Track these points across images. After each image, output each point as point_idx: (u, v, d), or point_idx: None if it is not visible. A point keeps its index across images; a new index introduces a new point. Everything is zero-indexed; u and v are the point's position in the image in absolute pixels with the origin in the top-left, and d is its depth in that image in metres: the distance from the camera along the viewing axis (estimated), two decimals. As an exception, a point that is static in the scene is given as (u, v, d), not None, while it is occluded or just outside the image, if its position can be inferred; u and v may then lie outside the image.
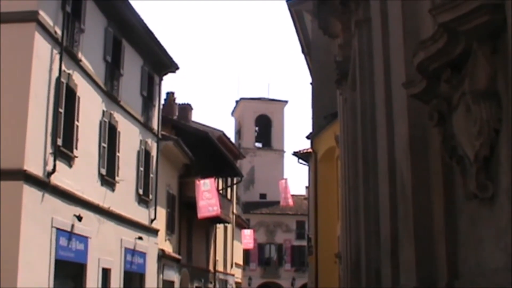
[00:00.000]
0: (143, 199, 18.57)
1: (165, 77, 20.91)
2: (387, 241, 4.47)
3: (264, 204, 47.62)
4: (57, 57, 13.01)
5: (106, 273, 15.31)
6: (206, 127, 27.65)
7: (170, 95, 26.84)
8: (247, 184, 47.02)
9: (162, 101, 22.82)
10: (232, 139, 40.26)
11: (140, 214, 18.34)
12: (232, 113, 52.87)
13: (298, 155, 23.34)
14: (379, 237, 5.08)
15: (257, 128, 50.96)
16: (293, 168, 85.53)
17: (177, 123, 24.25)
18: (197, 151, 23.22)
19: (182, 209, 22.97)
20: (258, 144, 50.75)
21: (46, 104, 12.47)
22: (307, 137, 21.28)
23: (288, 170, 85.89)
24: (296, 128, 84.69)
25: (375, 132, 5.51)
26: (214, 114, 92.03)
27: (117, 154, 16.56)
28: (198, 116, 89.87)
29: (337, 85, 9.86)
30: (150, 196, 19.12)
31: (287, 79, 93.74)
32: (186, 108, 28.58)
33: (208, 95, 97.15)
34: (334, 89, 12.18)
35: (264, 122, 50.15)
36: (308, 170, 22.84)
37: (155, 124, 19.99)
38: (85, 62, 14.52)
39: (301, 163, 23.24)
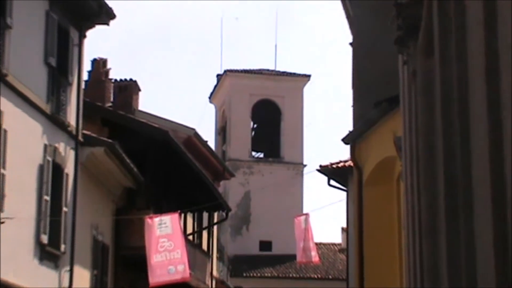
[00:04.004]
0: (49, 253, 18.60)
1: (90, 33, 21.11)
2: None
3: (268, 260, 47.67)
4: None
5: None
6: (165, 122, 27.65)
7: (98, 63, 26.70)
8: (238, 223, 47.32)
9: (85, 76, 22.63)
10: (211, 144, 40.36)
11: (44, 280, 18.29)
12: (211, 98, 52.93)
13: (329, 172, 23.27)
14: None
15: (255, 125, 51.07)
16: (319, 195, 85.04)
17: (112, 115, 24.26)
18: (148, 164, 23.21)
19: (121, 269, 22.98)
20: (257, 153, 51.14)
21: None
22: (344, 141, 21.07)
23: (310, 198, 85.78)
24: (324, 124, 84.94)
25: (468, 131, 5.58)
26: (179, 99, 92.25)
27: (1, 171, 16.56)
28: (150, 103, 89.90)
29: (399, 47, 9.94)
30: (62, 248, 19.13)
31: (308, 38, 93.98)
32: (128, 88, 28.61)
33: (168, 65, 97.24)
34: (393, 55, 12.24)
35: (267, 114, 50.38)
36: (347, 199, 22.70)
37: (71, 116, 20.05)
38: None
39: (333, 186, 23.13)
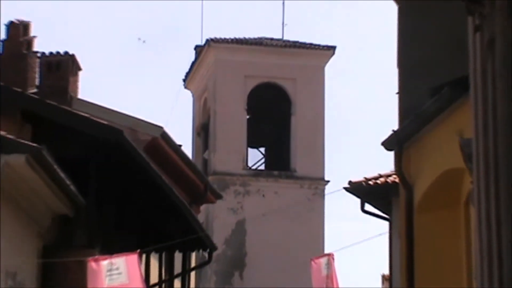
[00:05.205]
0: None
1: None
2: None
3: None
4: None
5: None
6: (118, 117, 27.65)
7: (16, 28, 27.32)
8: (227, 268, 47.20)
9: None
10: (187, 150, 40.18)
11: None
12: (186, 81, 52.54)
13: (363, 191, 23.05)
14: None
15: (253, 121, 50.21)
16: (348, 226, 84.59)
17: (38, 107, 23.99)
18: (92, 180, 23.04)
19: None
20: (256, 163, 50.80)
21: None
22: (386, 145, 21.07)
23: (335, 230, 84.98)
24: (354, 120, 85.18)
25: None
26: (140, 83, 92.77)
27: None
28: (96, 89, 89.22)
29: (468, 4, 10.17)
30: (-38, 306, 19.56)
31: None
32: (62, 66, 28.62)
33: (122, 31, 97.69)
34: (460, 16, 12.82)
35: (271, 105, 50.07)
36: (389, 233, 22.83)
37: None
38: None
39: (369, 212, 23.18)
